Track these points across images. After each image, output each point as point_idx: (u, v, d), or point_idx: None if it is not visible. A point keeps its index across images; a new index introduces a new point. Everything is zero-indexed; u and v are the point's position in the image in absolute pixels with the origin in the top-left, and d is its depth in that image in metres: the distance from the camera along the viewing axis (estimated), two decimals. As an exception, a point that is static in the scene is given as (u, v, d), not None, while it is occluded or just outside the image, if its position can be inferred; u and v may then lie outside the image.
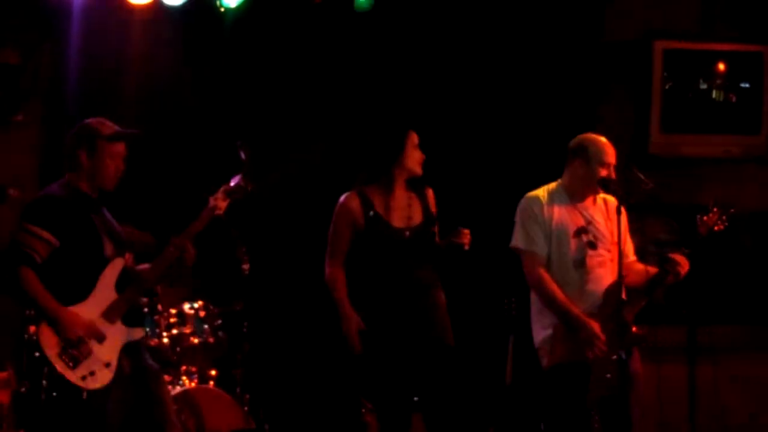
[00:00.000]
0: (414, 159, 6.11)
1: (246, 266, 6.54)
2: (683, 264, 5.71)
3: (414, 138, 6.13)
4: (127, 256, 5.71)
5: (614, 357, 5.58)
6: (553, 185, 5.99)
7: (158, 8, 7.52)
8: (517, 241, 5.92)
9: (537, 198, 5.94)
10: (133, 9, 7.47)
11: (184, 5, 7.52)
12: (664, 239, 6.11)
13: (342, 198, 6.14)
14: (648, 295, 5.77)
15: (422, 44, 8.01)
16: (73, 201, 5.49)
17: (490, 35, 8.05)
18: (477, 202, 7.63)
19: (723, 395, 7.77)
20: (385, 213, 6.06)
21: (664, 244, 6.08)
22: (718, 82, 8.06)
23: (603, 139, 5.93)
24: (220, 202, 5.70)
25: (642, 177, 5.80)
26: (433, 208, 6.20)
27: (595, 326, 5.65)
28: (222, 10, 7.60)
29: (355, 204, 6.07)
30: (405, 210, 6.11)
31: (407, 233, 6.06)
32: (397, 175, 6.11)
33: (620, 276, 5.66)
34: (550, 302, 5.80)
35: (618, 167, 5.92)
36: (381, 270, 6.03)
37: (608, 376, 5.59)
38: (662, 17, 8.16)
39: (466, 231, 6.03)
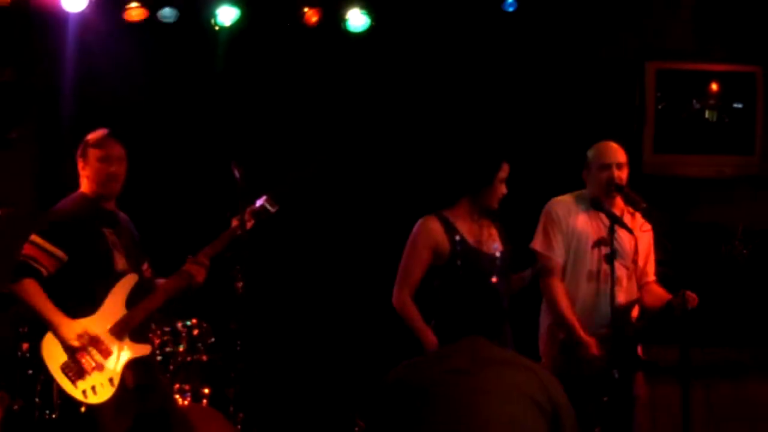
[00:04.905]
0: (496, 194, 5.65)
1: (240, 284, 6.52)
2: (692, 300, 5.53)
3: (505, 170, 5.66)
4: (145, 265, 5.73)
5: (615, 377, 5.47)
6: (581, 192, 5.88)
7: (153, 26, 7.54)
8: (537, 243, 5.82)
9: (563, 202, 5.84)
10: (128, 26, 7.49)
11: (178, 22, 7.55)
12: (657, 260, 6.08)
13: (420, 221, 5.64)
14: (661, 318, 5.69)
15: (415, 66, 8.06)
16: (84, 214, 5.51)
17: (483, 62, 8.10)
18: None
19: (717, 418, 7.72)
20: (471, 238, 5.60)
21: (658, 264, 6.04)
22: (711, 102, 8.09)
23: (608, 142, 5.85)
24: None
25: (636, 197, 5.75)
26: (506, 237, 5.78)
27: (592, 344, 5.57)
28: (216, 28, 7.65)
29: (437, 226, 5.59)
30: (485, 236, 5.64)
31: (498, 259, 5.64)
32: (471, 203, 5.66)
33: (633, 298, 5.69)
34: (552, 309, 5.76)
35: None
36: (473, 298, 5.25)
37: (605, 399, 5.48)
38: (655, 37, 8.18)
39: None
